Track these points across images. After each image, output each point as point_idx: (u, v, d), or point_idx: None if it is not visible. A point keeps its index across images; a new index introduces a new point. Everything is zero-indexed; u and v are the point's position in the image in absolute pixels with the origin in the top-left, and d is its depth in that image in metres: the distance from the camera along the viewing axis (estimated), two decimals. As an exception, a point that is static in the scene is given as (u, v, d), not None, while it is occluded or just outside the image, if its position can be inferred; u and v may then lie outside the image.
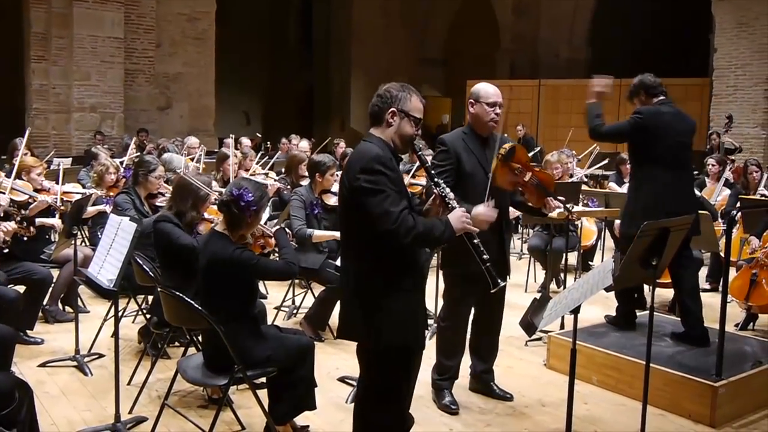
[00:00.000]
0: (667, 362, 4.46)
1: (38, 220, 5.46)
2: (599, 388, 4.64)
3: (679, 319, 5.10)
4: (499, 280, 3.20)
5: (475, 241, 3.10)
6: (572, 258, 7.33)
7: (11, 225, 4.75)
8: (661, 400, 4.29)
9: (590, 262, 7.85)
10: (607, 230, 8.19)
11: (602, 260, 7.79)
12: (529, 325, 3.39)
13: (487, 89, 4.18)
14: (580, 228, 7.11)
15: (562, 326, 5.37)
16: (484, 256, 3.12)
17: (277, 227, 3.93)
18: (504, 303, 4.42)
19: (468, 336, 4.41)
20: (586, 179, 9.23)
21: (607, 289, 3.23)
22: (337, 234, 5.63)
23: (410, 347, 3.12)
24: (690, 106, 5.16)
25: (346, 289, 3.15)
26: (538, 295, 4.80)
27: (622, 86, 5.50)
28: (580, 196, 7.07)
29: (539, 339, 5.37)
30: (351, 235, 3.11)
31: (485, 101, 4.14)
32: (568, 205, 4.42)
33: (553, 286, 6.96)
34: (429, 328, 5.47)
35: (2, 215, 4.84)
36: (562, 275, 6.82)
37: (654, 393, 3.96)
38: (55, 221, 5.58)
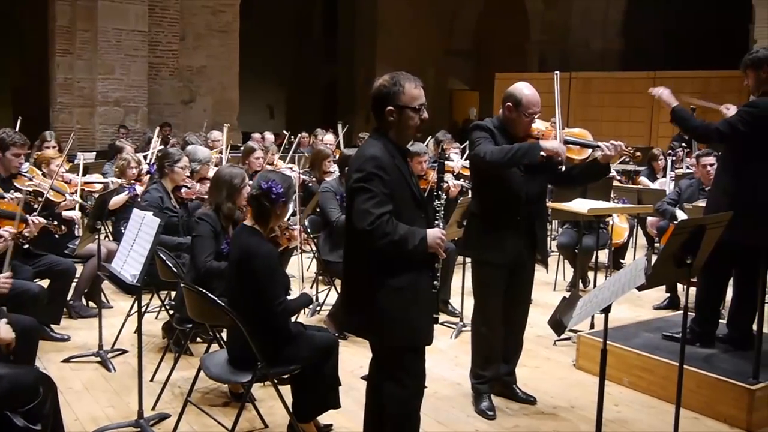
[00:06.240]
0: (702, 364, 4.33)
1: (64, 214, 5.56)
2: (630, 390, 4.53)
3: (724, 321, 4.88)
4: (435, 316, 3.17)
5: (437, 265, 3.10)
6: (603, 256, 7.20)
7: (40, 219, 4.74)
8: (695, 403, 4.17)
9: (621, 261, 7.69)
10: (639, 228, 8.03)
11: (634, 258, 7.63)
12: (557, 324, 3.30)
13: (530, 99, 3.85)
14: (611, 225, 6.94)
15: (592, 326, 5.26)
16: (435, 282, 3.11)
17: (304, 291, 3.84)
18: (530, 301, 4.31)
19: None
20: (617, 174, 9.02)
21: (639, 288, 3.12)
22: None
23: (406, 346, 3.10)
24: (728, 99, 4.95)
25: (343, 282, 3.29)
26: (567, 294, 4.70)
27: (656, 79, 5.33)
28: (612, 194, 6.90)
29: (568, 339, 5.27)
30: (350, 231, 3.08)
31: (525, 111, 3.86)
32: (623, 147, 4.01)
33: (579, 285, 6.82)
34: (446, 325, 5.40)
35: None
36: (590, 274, 6.68)
37: (688, 395, 3.83)
38: (75, 213, 5.62)
